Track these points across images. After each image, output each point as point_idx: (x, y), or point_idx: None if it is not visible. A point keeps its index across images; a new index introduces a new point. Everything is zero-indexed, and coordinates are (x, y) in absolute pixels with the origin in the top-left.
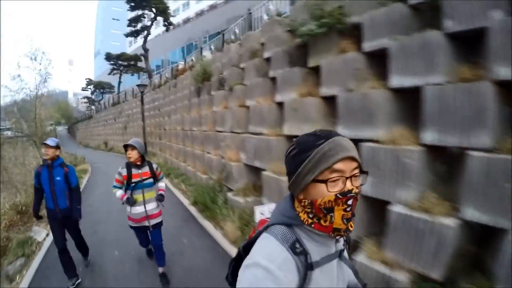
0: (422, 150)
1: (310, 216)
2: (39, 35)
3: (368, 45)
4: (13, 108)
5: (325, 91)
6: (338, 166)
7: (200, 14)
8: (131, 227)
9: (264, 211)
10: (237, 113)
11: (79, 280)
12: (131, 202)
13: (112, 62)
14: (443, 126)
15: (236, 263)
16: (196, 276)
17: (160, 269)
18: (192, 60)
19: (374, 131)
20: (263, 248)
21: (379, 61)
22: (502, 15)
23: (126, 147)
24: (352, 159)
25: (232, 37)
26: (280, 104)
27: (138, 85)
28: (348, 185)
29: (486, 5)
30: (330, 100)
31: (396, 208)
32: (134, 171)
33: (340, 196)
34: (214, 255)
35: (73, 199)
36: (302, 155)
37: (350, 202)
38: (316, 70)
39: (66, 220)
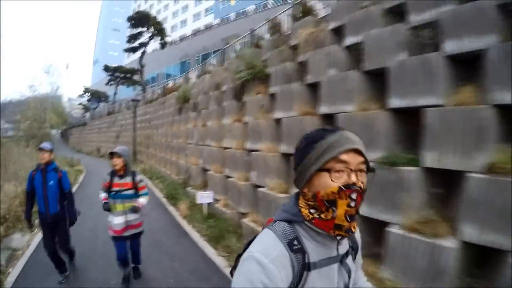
0: (420, 171)
1: (312, 211)
2: (38, 34)
3: (272, 89)
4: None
5: (247, 119)
6: (344, 157)
7: (195, 33)
8: (112, 237)
9: (202, 195)
10: (200, 130)
11: (68, 273)
12: (105, 208)
13: (109, 73)
14: (443, 148)
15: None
16: (158, 232)
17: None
18: (180, 80)
19: None
20: (260, 242)
21: (277, 99)
22: (497, 39)
23: (112, 154)
24: (358, 152)
25: (211, 67)
26: (223, 126)
27: (132, 100)
28: (353, 178)
29: (483, 28)
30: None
31: (394, 229)
32: (116, 180)
33: (344, 188)
34: (170, 222)
35: (68, 202)
36: (308, 147)
37: (354, 196)
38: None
39: (55, 224)
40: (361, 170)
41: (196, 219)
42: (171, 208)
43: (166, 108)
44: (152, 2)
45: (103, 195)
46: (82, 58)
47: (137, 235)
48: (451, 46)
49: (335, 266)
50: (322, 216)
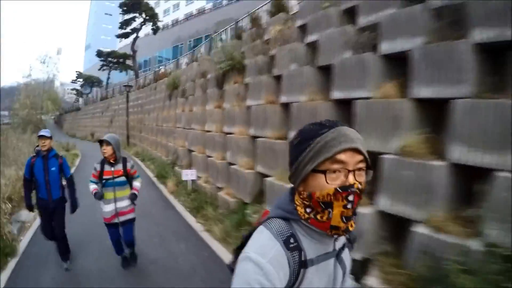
0: (447, 167)
1: (308, 210)
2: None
3: (247, 80)
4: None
5: (225, 105)
6: (341, 157)
7: (188, 17)
8: (105, 224)
9: (187, 173)
10: (187, 115)
11: (69, 262)
12: (98, 196)
13: (102, 59)
14: (367, 134)
15: (238, 252)
16: (147, 205)
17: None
18: (171, 65)
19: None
20: (256, 242)
21: (249, 89)
22: (422, 41)
23: (101, 142)
24: (357, 151)
25: (199, 55)
26: (206, 111)
27: (124, 85)
28: (351, 179)
29: (413, 31)
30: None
31: (418, 229)
32: (107, 167)
33: (340, 191)
34: (159, 197)
35: (69, 188)
36: (304, 143)
37: (351, 198)
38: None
39: (55, 210)
40: (360, 169)
41: (181, 194)
42: (161, 186)
43: (157, 94)
44: None
45: (93, 186)
46: (74, 43)
47: (129, 221)
48: (386, 46)
49: (332, 261)
50: (318, 217)
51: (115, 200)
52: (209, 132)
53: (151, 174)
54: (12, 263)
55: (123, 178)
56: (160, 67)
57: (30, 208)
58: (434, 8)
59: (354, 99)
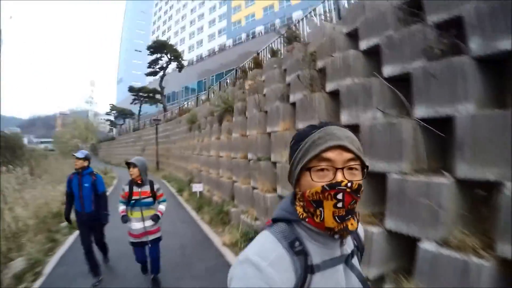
0: (453, 184)
1: (305, 210)
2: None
3: (234, 119)
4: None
5: (221, 137)
6: (327, 154)
7: (210, 54)
8: (131, 242)
9: (196, 186)
10: (200, 144)
11: (101, 277)
12: (124, 220)
13: (134, 94)
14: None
15: None
16: (168, 207)
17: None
18: (191, 103)
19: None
20: (257, 244)
21: (235, 125)
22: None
23: (128, 164)
24: (345, 149)
25: (212, 95)
26: (210, 141)
27: (153, 119)
28: (338, 177)
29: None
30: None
31: (426, 246)
32: (135, 189)
33: (328, 188)
34: (176, 203)
35: (100, 204)
36: (296, 144)
37: (340, 196)
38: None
39: (91, 222)
40: (351, 168)
41: (191, 200)
42: (179, 197)
43: (181, 127)
44: (170, 24)
45: (122, 207)
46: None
47: (156, 241)
48: (389, 70)
49: (340, 267)
50: (314, 218)
51: (143, 219)
52: (211, 157)
53: (173, 190)
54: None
55: (150, 199)
56: (184, 103)
57: (67, 220)
58: (432, 24)
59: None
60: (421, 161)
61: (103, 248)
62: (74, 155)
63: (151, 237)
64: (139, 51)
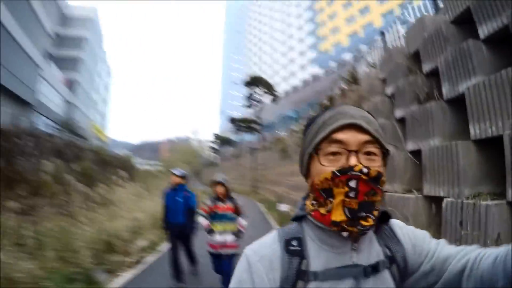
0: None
1: (314, 202)
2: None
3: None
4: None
5: None
6: (338, 136)
7: (304, 84)
8: (209, 253)
9: (281, 206)
10: (287, 171)
11: (185, 285)
12: (208, 231)
13: (234, 124)
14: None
15: None
16: (257, 221)
17: None
18: (284, 133)
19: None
20: (259, 241)
21: None
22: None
23: (214, 183)
24: (360, 129)
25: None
26: (294, 168)
27: (251, 148)
28: (352, 161)
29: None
30: None
31: None
32: (219, 204)
33: (339, 174)
34: (265, 219)
35: (190, 217)
36: (306, 129)
37: (352, 184)
38: None
39: (181, 233)
40: (369, 153)
41: (277, 216)
42: (268, 215)
43: (275, 155)
44: (263, 57)
45: (205, 221)
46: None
47: (231, 256)
48: (397, 113)
49: (350, 282)
50: (321, 210)
51: (224, 232)
52: (291, 180)
53: (263, 209)
54: None
55: (231, 214)
56: (279, 133)
57: (164, 229)
58: (424, 74)
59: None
60: (409, 183)
61: (191, 257)
62: (171, 172)
63: (227, 251)
64: (236, 84)
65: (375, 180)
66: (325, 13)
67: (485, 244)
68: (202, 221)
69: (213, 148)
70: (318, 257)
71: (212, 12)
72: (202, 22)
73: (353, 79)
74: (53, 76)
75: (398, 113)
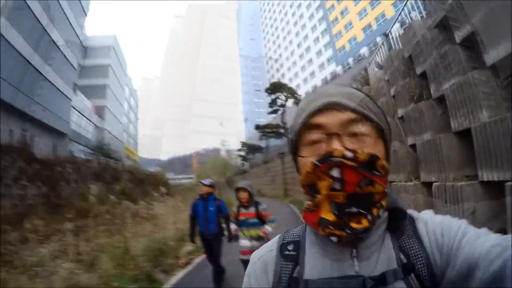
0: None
1: (310, 202)
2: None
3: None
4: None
5: None
6: (317, 120)
7: (323, 83)
8: (240, 260)
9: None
10: None
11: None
12: (233, 237)
13: (260, 131)
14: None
15: None
16: (286, 214)
17: None
18: None
19: None
20: (267, 242)
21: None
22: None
23: (238, 189)
24: (341, 107)
25: None
26: None
27: (279, 153)
28: (334, 145)
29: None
30: None
31: None
32: (242, 210)
33: (319, 164)
34: (296, 218)
35: (226, 224)
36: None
37: (335, 173)
38: None
39: (212, 242)
40: (355, 134)
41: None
42: (301, 215)
43: None
44: (281, 61)
45: (234, 227)
46: (233, 115)
47: None
48: (399, 112)
49: None
50: (308, 210)
51: (250, 238)
52: None
53: (296, 210)
54: None
55: (255, 220)
56: None
57: (191, 239)
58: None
59: None
60: (412, 174)
61: (217, 267)
62: (201, 182)
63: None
64: (259, 91)
65: (368, 165)
66: (337, 10)
67: (463, 216)
68: (232, 227)
69: (241, 156)
70: (315, 264)
71: (224, 26)
72: (215, 36)
73: (365, 80)
74: (82, 105)
75: (399, 112)
